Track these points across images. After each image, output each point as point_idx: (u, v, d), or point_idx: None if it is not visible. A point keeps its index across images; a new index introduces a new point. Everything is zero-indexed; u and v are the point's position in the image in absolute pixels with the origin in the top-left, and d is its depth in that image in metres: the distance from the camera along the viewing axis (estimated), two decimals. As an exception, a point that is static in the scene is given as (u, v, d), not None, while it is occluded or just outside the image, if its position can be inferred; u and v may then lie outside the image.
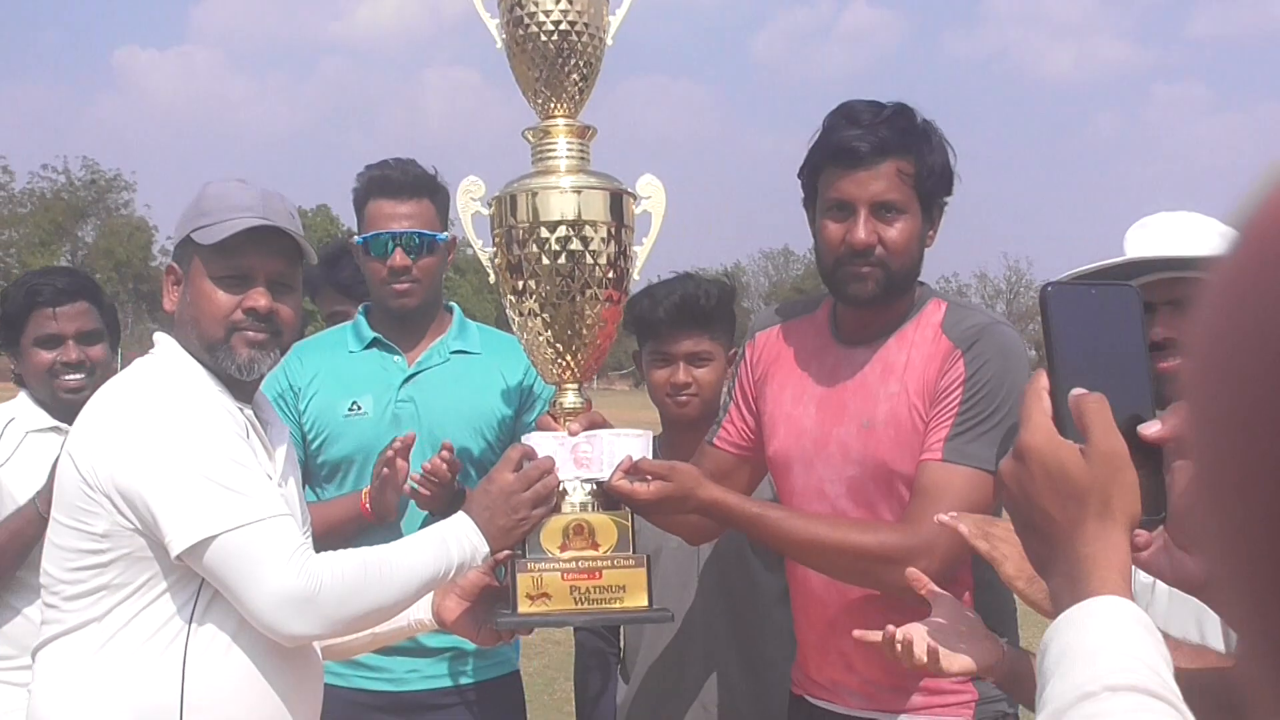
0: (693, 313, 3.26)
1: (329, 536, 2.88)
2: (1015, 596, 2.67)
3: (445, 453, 3.07)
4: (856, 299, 2.63)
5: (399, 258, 3.35)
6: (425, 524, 3.14)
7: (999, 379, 2.55)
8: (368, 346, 3.45)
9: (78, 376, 3.52)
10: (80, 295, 3.61)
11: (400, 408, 3.36)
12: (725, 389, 3.00)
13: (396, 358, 3.43)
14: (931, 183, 2.61)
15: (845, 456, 2.65)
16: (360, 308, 3.61)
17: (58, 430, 3.47)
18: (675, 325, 3.26)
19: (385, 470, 3.13)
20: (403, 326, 3.44)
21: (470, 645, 2.98)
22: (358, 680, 3.29)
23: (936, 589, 2.18)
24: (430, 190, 3.44)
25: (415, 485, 3.10)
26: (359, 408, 3.36)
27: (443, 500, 3.11)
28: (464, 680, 3.44)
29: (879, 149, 2.56)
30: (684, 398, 3.29)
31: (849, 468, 2.65)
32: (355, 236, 3.49)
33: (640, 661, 3.36)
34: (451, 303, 3.63)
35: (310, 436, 3.31)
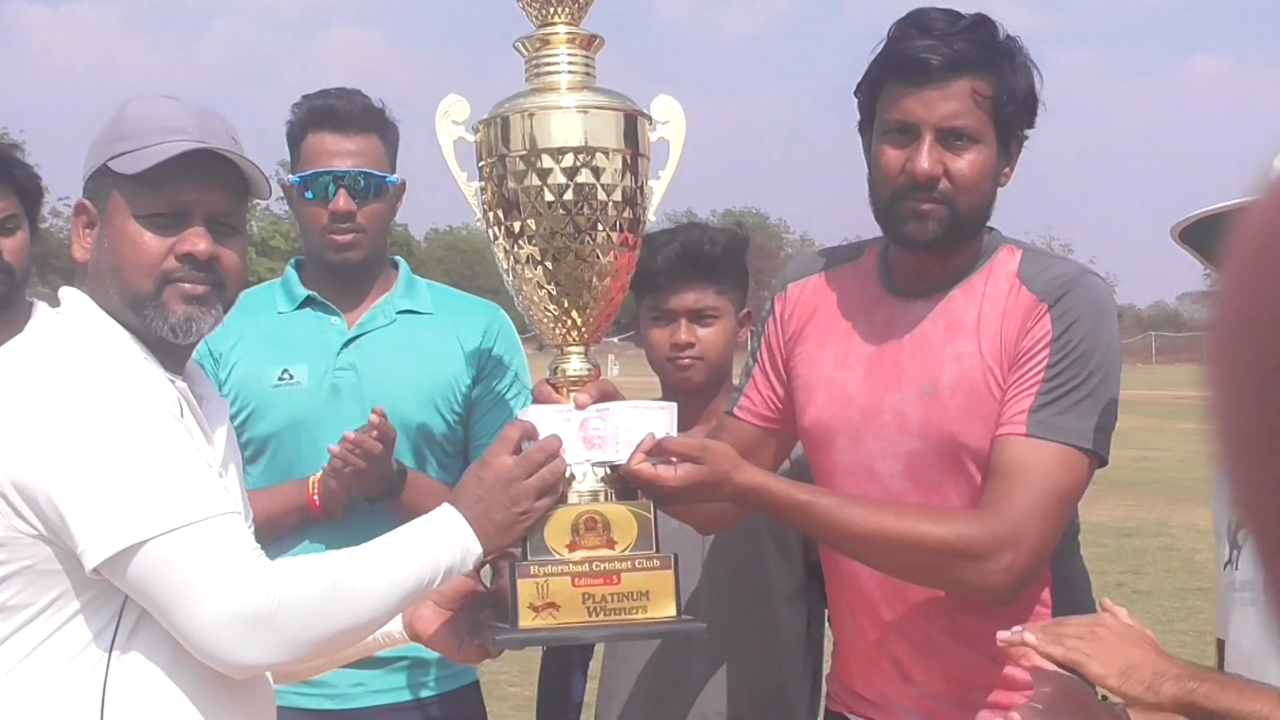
0: (696, 262, 3.05)
1: (263, 532, 2.54)
2: (1094, 596, 2.49)
3: (375, 417, 2.87)
4: (914, 241, 2.43)
5: (342, 201, 3.10)
6: (372, 515, 2.93)
7: (1093, 338, 2.37)
8: (300, 306, 3.22)
9: None
10: None
11: (339, 376, 3.13)
12: (749, 350, 2.79)
13: (334, 319, 3.20)
14: (1012, 109, 2.41)
15: (902, 428, 2.45)
16: (292, 261, 3.37)
17: None
18: (676, 277, 3.06)
19: (332, 449, 2.90)
20: (342, 283, 3.21)
21: (426, 653, 2.75)
22: (294, 698, 3.01)
23: (1042, 665, 2.00)
24: (379, 126, 3.21)
25: (337, 462, 2.88)
26: (290, 376, 3.14)
27: (375, 482, 2.92)
28: (417, 694, 3.23)
29: (953, 64, 2.35)
30: (686, 360, 3.08)
31: (907, 441, 2.45)
32: (289, 175, 3.22)
33: (622, 660, 3.15)
34: (397, 257, 3.39)
35: (232, 410, 3.01)
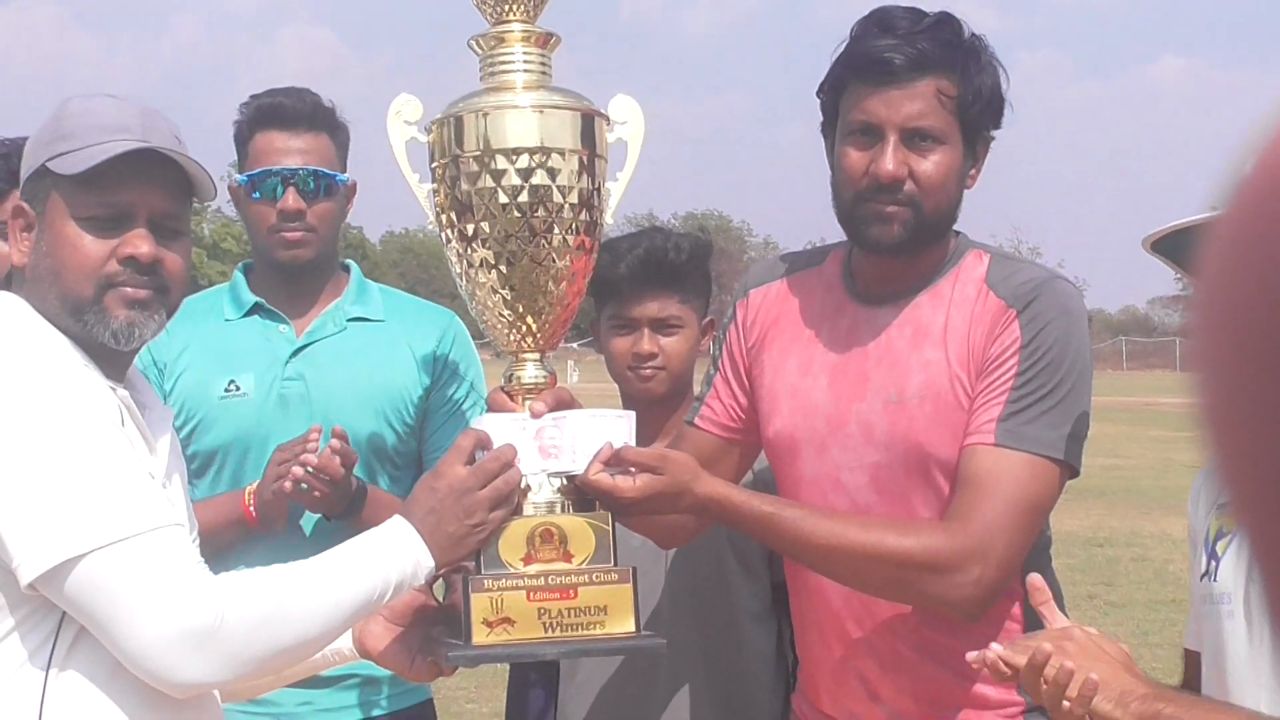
0: (660, 270, 3.04)
1: (201, 547, 2.51)
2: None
3: (336, 442, 2.85)
4: (878, 244, 2.41)
5: (291, 199, 3.09)
6: (328, 531, 2.91)
7: (1062, 344, 2.36)
8: (247, 313, 3.20)
9: None
10: None
11: (287, 387, 3.11)
12: (711, 357, 2.77)
13: (282, 327, 3.18)
14: (977, 109, 2.40)
15: (868, 438, 2.44)
16: (239, 266, 3.35)
17: None
18: (639, 285, 3.04)
19: (296, 473, 2.86)
20: (291, 287, 3.19)
21: (377, 671, 2.70)
22: (240, 717, 2.98)
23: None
24: (329, 124, 3.20)
25: (304, 483, 2.86)
26: (237, 387, 3.11)
27: (338, 501, 2.90)
28: (368, 713, 3.20)
29: (916, 63, 2.34)
30: (649, 370, 3.06)
31: (872, 451, 2.43)
32: (234, 176, 3.20)
33: (583, 679, 3.12)
34: (349, 260, 3.37)
35: (178, 423, 3.00)
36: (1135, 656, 2.03)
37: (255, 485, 2.96)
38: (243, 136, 3.17)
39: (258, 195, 3.09)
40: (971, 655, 2.00)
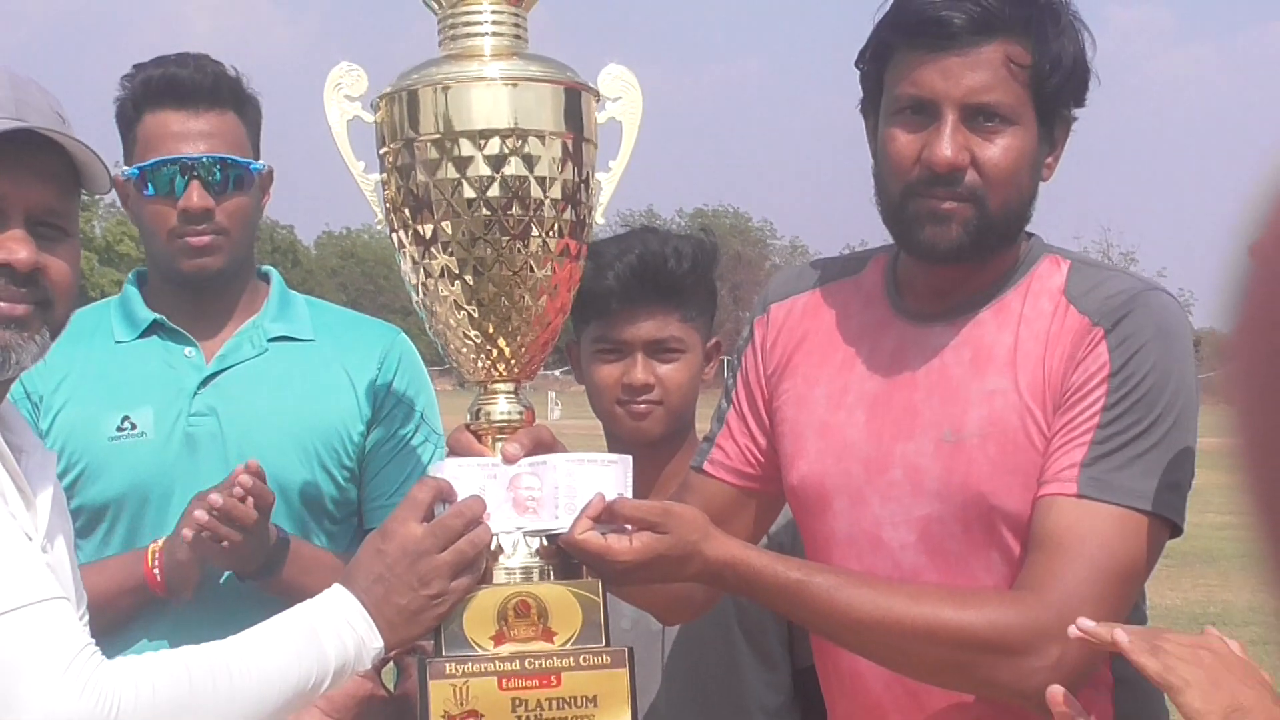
0: (657, 282, 3.08)
1: (93, 619, 2.57)
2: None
3: (247, 479, 2.85)
4: (933, 249, 2.44)
5: (196, 195, 3.11)
6: (243, 596, 2.94)
7: (1162, 371, 2.39)
8: (144, 334, 3.23)
9: None
10: None
11: (195, 424, 3.14)
12: (724, 388, 2.81)
13: (188, 350, 3.21)
14: (1056, 81, 2.43)
15: (917, 486, 2.47)
16: (131, 275, 3.40)
17: None
18: (631, 300, 3.08)
19: (198, 517, 2.86)
20: (197, 302, 3.23)
21: None
22: None
23: None
24: (236, 100, 3.23)
25: (207, 530, 2.85)
26: (133, 426, 3.14)
27: (253, 555, 2.92)
28: None
29: (981, 24, 2.38)
30: (642, 405, 3.11)
31: (923, 503, 2.47)
32: (121, 167, 3.20)
33: None
34: (267, 267, 3.42)
35: (59, 469, 2.98)
36: None
37: (162, 543, 2.97)
38: (128, 117, 3.19)
39: (151, 191, 3.11)
40: (1084, 623, 2.05)
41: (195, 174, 3.10)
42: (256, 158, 3.22)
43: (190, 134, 3.11)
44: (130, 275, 3.37)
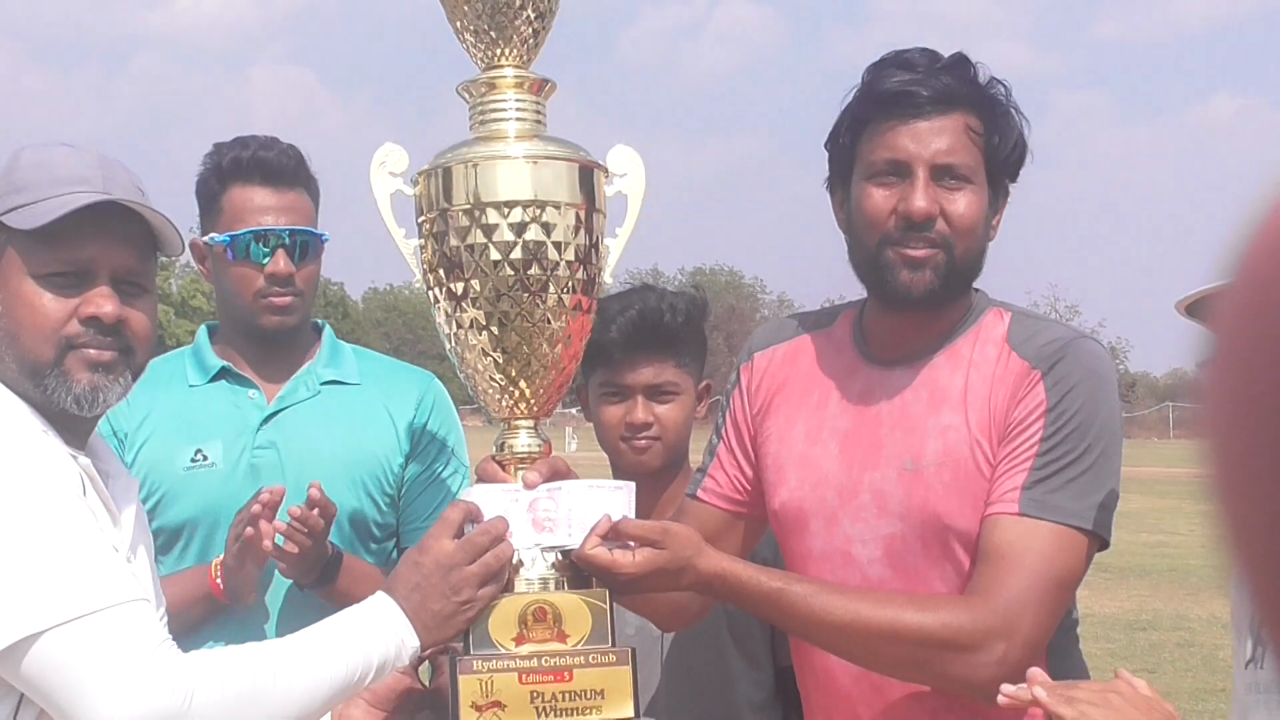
0: (655, 333, 3.08)
1: (170, 622, 2.54)
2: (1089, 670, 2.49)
3: (315, 492, 2.87)
4: (908, 292, 2.43)
5: (282, 262, 3.12)
6: (301, 603, 2.92)
7: (1091, 408, 2.39)
8: (214, 378, 3.23)
9: None
10: None
11: (259, 456, 3.14)
12: (714, 425, 2.79)
13: (252, 392, 3.22)
14: (1004, 151, 2.46)
15: (882, 509, 2.47)
16: (203, 328, 3.37)
17: None
18: (632, 349, 3.08)
19: (245, 534, 2.87)
20: (265, 352, 3.23)
21: None
22: None
23: None
24: (306, 179, 3.26)
25: (280, 541, 2.87)
26: (205, 458, 3.13)
27: (313, 567, 2.93)
28: None
29: (943, 96, 2.41)
30: (643, 441, 3.10)
31: (887, 523, 2.46)
32: (207, 236, 3.20)
33: None
34: (320, 320, 3.41)
35: (141, 495, 2.94)
36: None
37: (221, 559, 2.97)
38: (212, 190, 3.18)
39: (239, 257, 3.11)
40: (1007, 689, 2.03)
41: (280, 244, 3.09)
42: (319, 228, 3.22)
43: (272, 208, 3.12)
44: (202, 328, 3.35)
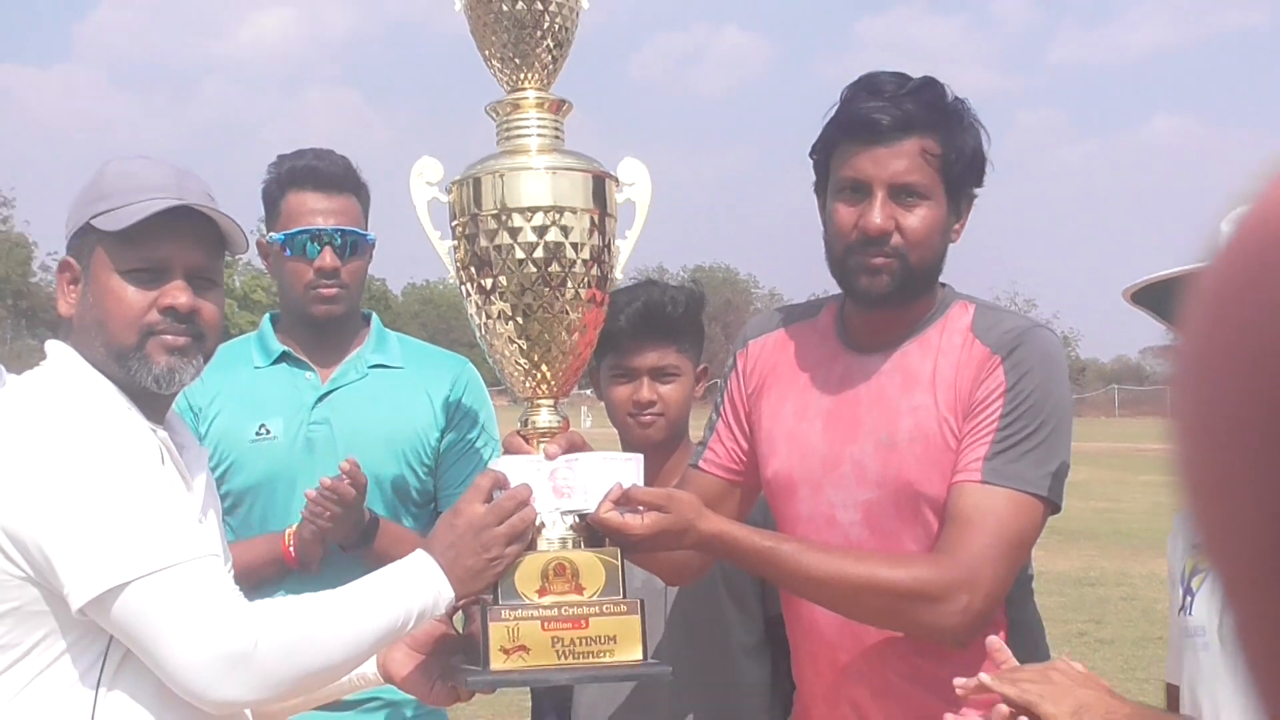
0: (658, 322, 3.07)
1: (240, 584, 2.54)
2: (1049, 642, 2.48)
3: (348, 464, 2.88)
4: (868, 295, 2.44)
5: (329, 258, 3.13)
6: (345, 564, 2.93)
7: (1045, 389, 2.38)
8: (275, 361, 3.24)
9: None
10: None
11: (314, 430, 3.14)
12: (713, 404, 2.78)
13: (308, 374, 3.21)
14: (960, 167, 2.42)
15: (861, 478, 2.46)
16: (266, 316, 3.38)
17: None
18: (638, 336, 3.06)
19: (309, 494, 2.91)
20: (319, 338, 3.23)
21: (399, 695, 2.72)
22: None
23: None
24: (356, 186, 3.25)
25: (313, 509, 2.90)
26: (267, 431, 3.14)
27: (349, 529, 2.94)
28: None
29: (902, 124, 2.37)
30: (648, 417, 3.09)
31: (865, 490, 2.46)
32: (263, 232, 3.23)
33: (587, 707, 3.13)
34: (369, 310, 3.40)
35: (212, 463, 3.02)
36: (1123, 691, 2.03)
37: (295, 528, 2.99)
38: (273, 195, 3.20)
39: (293, 253, 3.13)
40: (960, 681, 2.01)
41: (329, 242, 3.11)
42: (367, 230, 3.22)
43: (323, 211, 3.13)
44: (266, 316, 3.37)
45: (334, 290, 3.13)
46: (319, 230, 3.11)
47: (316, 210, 3.13)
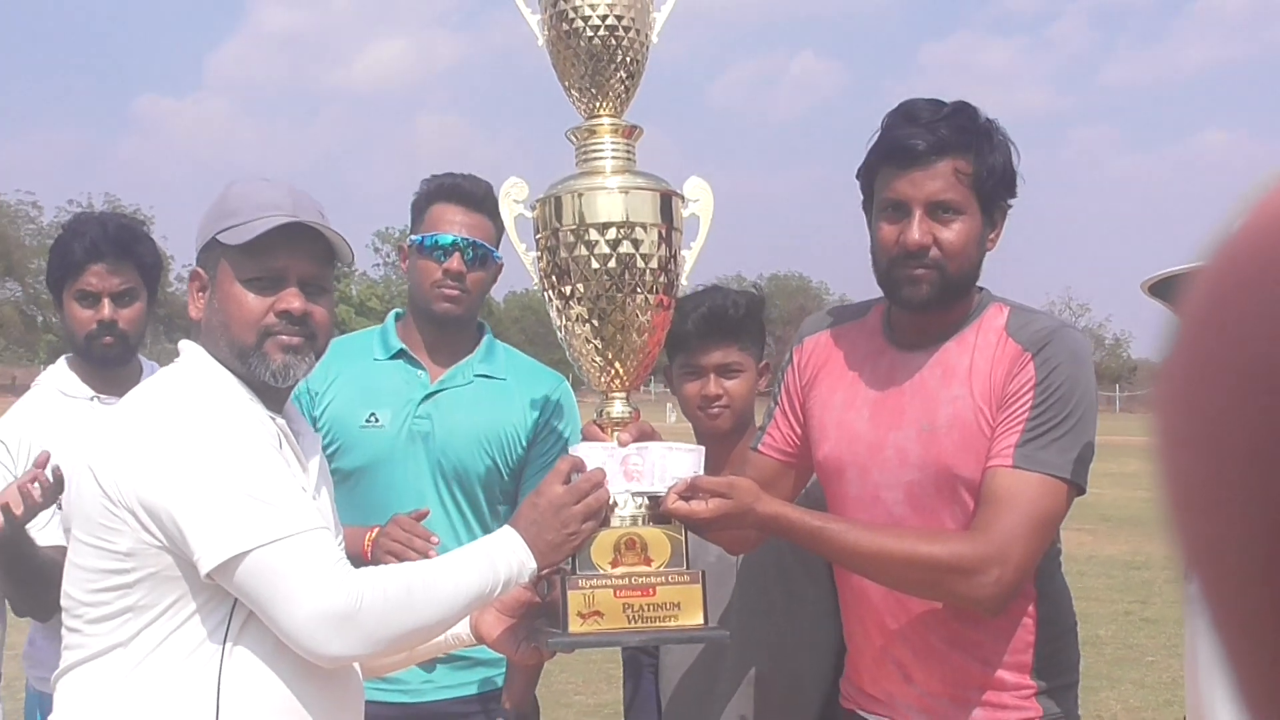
0: (721, 324, 3.07)
1: None
2: (1074, 610, 2.48)
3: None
4: (910, 302, 2.45)
5: (456, 262, 3.18)
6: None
7: (1071, 383, 2.38)
8: (393, 357, 3.27)
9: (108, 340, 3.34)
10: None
11: (417, 424, 3.17)
12: (772, 394, 2.81)
13: (420, 372, 3.24)
14: (991, 183, 2.42)
15: (903, 461, 2.47)
16: (391, 314, 3.42)
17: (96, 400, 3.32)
18: (704, 337, 3.07)
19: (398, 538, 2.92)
20: (436, 338, 3.26)
21: (489, 654, 2.78)
22: (372, 692, 3.01)
23: None
24: (492, 209, 3.22)
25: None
26: (376, 419, 3.17)
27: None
28: (479, 689, 3.25)
29: (936, 147, 2.38)
30: (715, 410, 3.09)
31: (908, 472, 2.46)
32: (410, 237, 3.29)
33: (673, 666, 3.15)
34: (483, 321, 3.42)
35: (324, 442, 3.04)
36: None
37: (376, 534, 2.94)
38: (420, 206, 3.25)
39: (427, 253, 3.17)
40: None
41: (459, 249, 3.15)
42: (498, 249, 3.25)
43: (458, 222, 3.17)
44: (391, 313, 3.40)
45: (456, 292, 3.16)
46: (453, 238, 3.16)
47: (454, 221, 3.18)
